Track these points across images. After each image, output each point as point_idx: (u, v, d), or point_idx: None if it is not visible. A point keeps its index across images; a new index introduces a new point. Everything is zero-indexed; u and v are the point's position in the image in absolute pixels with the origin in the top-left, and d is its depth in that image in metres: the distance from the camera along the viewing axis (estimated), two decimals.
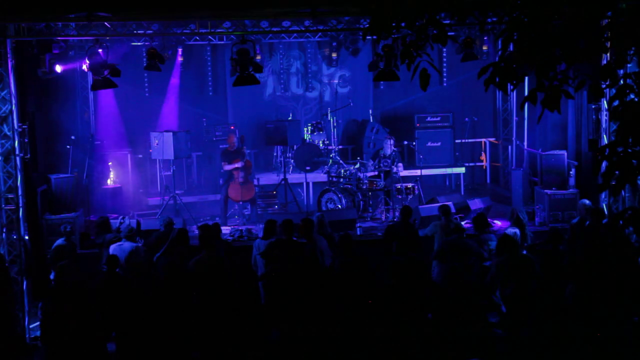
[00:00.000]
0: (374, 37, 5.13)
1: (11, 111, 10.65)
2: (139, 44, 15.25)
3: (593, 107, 11.71)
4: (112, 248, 10.03)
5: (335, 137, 16.71)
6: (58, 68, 11.93)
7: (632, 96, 4.48)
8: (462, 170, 16.41)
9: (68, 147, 13.77)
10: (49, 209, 12.43)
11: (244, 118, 17.02)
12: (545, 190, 12.79)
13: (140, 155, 15.93)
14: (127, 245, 10.06)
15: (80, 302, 8.59)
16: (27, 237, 11.31)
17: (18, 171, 10.73)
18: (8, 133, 10.67)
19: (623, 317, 8.99)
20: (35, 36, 11.12)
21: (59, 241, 10.56)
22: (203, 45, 16.54)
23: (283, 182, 14.55)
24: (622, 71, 4.89)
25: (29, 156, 11.07)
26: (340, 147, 16.63)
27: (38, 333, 10.77)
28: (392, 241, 10.27)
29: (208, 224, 10.85)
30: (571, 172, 13.10)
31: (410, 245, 10.17)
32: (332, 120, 16.63)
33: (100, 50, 10.95)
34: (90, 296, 8.81)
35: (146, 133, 14.91)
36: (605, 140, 11.45)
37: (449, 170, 16.55)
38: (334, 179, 14.43)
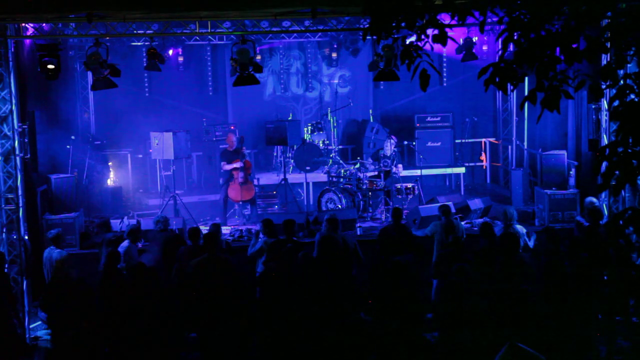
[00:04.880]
0: (374, 37, 5.12)
1: (11, 111, 10.65)
2: (139, 44, 15.25)
3: (593, 107, 11.71)
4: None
5: (335, 137, 16.72)
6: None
7: (632, 96, 4.48)
8: (462, 170, 16.42)
9: (68, 147, 13.77)
10: (49, 209, 12.43)
11: (244, 118, 17.02)
12: (545, 190, 12.78)
13: (140, 155, 15.93)
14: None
15: (83, 299, 8.63)
16: (27, 237, 11.31)
17: (18, 171, 10.73)
18: (8, 133, 10.67)
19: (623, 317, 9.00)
20: (36, 36, 11.12)
21: (56, 254, 10.48)
22: (203, 45, 16.55)
23: (283, 182, 14.55)
24: (622, 71, 4.88)
25: (29, 156, 11.07)
26: (340, 147, 16.63)
27: (38, 333, 10.80)
28: (384, 243, 10.29)
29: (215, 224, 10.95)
30: (571, 172, 13.09)
31: (401, 248, 10.17)
32: (332, 120, 16.64)
33: (100, 50, 10.96)
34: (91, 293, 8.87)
35: (146, 133, 14.91)
36: (605, 140, 11.45)
37: (449, 170, 16.55)
38: (334, 179, 14.43)
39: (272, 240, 10.24)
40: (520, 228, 10.52)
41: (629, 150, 4.30)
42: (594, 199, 11.06)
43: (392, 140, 14.24)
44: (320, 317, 8.49)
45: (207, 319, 8.76)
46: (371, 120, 17.07)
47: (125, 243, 10.24)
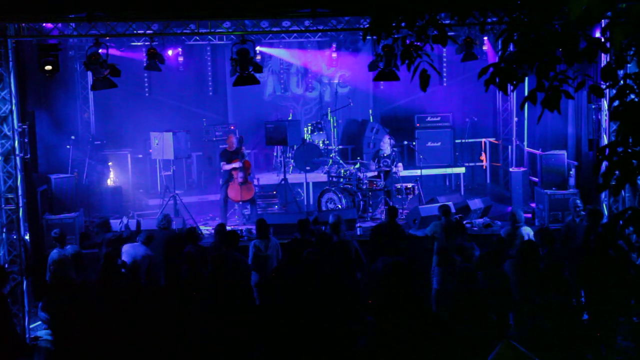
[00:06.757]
0: (374, 37, 5.12)
1: (11, 111, 10.65)
2: (139, 44, 15.25)
3: (593, 107, 11.71)
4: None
5: (335, 137, 16.71)
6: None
7: (632, 96, 4.48)
8: (462, 170, 16.42)
9: (68, 147, 13.77)
10: (49, 209, 12.43)
11: (244, 118, 17.02)
12: (545, 190, 12.79)
13: (140, 155, 15.93)
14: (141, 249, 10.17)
15: (84, 299, 8.65)
16: (27, 237, 11.31)
17: (18, 171, 10.73)
18: (8, 133, 10.67)
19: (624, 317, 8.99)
20: (36, 36, 11.12)
21: (54, 253, 10.49)
22: (203, 45, 16.55)
23: (283, 182, 14.55)
24: (622, 71, 4.89)
25: (29, 156, 11.07)
26: (340, 147, 16.63)
27: (38, 333, 10.80)
28: (377, 241, 10.25)
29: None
30: (571, 172, 13.10)
31: (393, 247, 10.16)
32: (332, 120, 16.64)
33: (100, 50, 10.96)
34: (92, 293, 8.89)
35: (146, 133, 14.92)
36: (605, 140, 11.44)
37: (449, 170, 16.55)
38: (334, 179, 14.43)
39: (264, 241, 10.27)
40: (527, 231, 10.51)
41: (629, 150, 4.30)
42: (578, 200, 11.09)
43: (390, 140, 14.22)
44: (325, 319, 8.49)
45: (215, 316, 8.74)
46: (371, 120, 17.07)
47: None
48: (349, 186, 13.99)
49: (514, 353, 5.25)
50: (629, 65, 6.78)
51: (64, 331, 8.67)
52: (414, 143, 16.24)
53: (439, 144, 16.49)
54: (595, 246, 9.24)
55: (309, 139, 15.81)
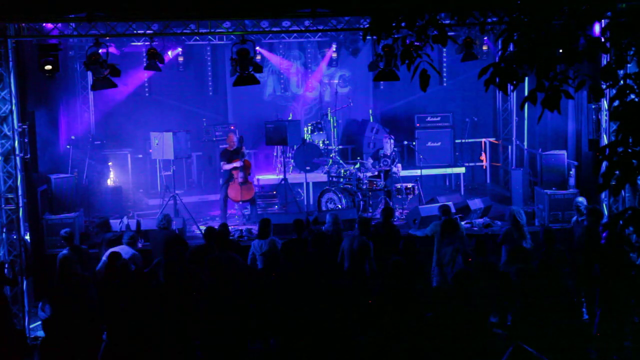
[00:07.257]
0: (374, 37, 5.12)
1: (11, 111, 10.65)
2: (139, 44, 15.26)
3: (593, 107, 11.72)
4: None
5: (335, 137, 16.72)
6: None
7: (632, 96, 4.49)
8: (462, 170, 16.42)
9: (68, 147, 13.77)
10: (49, 209, 12.43)
11: (244, 118, 17.02)
12: (545, 190, 12.79)
13: (140, 155, 15.93)
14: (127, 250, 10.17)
15: (83, 298, 8.66)
16: (27, 237, 11.31)
17: (18, 171, 10.73)
18: (8, 133, 10.67)
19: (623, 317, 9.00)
20: (36, 36, 11.12)
21: (64, 252, 10.47)
22: (203, 45, 16.55)
23: (283, 182, 14.55)
24: (622, 71, 4.89)
25: (29, 156, 11.07)
26: (340, 147, 16.62)
27: (38, 333, 10.80)
28: (373, 242, 10.22)
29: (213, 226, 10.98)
30: (571, 172, 13.09)
31: (389, 248, 10.15)
32: (332, 120, 16.63)
33: (100, 50, 10.96)
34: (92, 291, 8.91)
35: (146, 133, 14.92)
36: (605, 140, 11.45)
37: (449, 170, 16.56)
38: (334, 179, 14.43)
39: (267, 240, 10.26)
40: (526, 231, 10.52)
41: (629, 150, 4.30)
42: (581, 199, 11.07)
43: (391, 140, 14.23)
44: (325, 318, 8.50)
45: (217, 317, 8.74)
46: (371, 120, 17.07)
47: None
48: (349, 186, 13.99)
49: (526, 357, 5.25)
50: (629, 65, 6.78)
51: (66, 329, 8.67)
52: (414, 143, 16.25)
53: (439, 144, 16.49)
54: (605, 247, 9.25)
55: (309, 139, 15.80)
